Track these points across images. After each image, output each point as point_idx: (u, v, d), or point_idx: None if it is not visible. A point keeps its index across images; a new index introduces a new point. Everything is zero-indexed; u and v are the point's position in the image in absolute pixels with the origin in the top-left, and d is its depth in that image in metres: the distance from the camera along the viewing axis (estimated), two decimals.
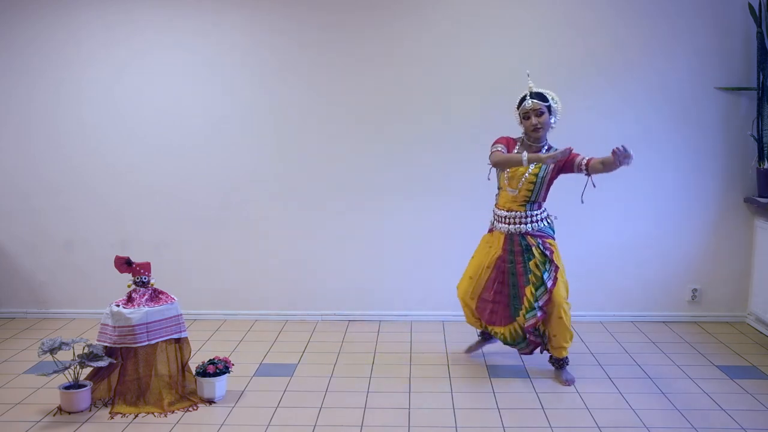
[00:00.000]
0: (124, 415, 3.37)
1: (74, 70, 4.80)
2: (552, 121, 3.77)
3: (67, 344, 3.41)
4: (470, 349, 4.22)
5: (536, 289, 3.71)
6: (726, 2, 4.61)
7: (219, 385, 3.53)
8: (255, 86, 4.78)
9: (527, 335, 3.82)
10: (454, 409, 3.46)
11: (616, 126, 4.73)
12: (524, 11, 4.68)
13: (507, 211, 3.80)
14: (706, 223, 4.81)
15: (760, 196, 4.63)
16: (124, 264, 3.52)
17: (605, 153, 4.75)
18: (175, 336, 3.55)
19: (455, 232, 4.77)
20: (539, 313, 3.70)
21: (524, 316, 3.76)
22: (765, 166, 4.58)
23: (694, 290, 4.87)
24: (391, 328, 4.77)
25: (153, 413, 3.39)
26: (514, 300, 3.83)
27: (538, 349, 3.92)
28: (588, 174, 3.66)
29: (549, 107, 3.74)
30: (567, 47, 4.68)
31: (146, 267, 3.56)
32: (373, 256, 4.87)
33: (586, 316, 4.89)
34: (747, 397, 3.61)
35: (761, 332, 4.66)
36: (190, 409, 3.45)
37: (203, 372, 3.53)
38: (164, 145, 4.84)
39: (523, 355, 4.04)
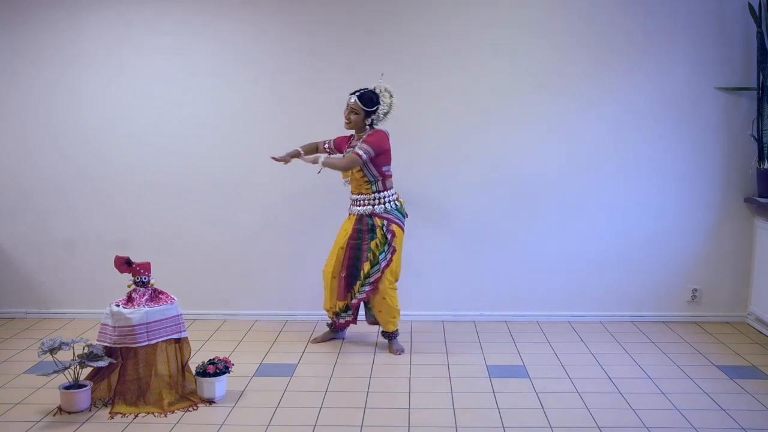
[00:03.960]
0: (124, 415, 3.37)
1: (74, 70, 4.80)
2: (368, 122, 4.10)
3: (67, 344, 3.41)
4: (316, 340, 4.46)
5: (372, 267, 4.12)
6: (726, 2, 4.61)
7: (219, 385, 3.53)
8: (256, 87, 4.78)
9: (353, 300, 4.23)
10: (454, 409, 3.46)
11: (616, 126, 4.74)
12: (523, 11, 4.68)
13: (358, 194, 4.19)
14: (706, 223, 4.81)
15: (760, 196, 4.63)
16: (124, 264, 3.52)
17: (605, 153, 4.78)
18: (175, 336, 3.55)
19: (455, 232, 4.77)
20: (368, 288, 4.15)
21: (359, 288, 4.18)
22: (765, 166, 4.58)
23: (694, 290, 4.87)
24: None
25: (153, 413, 3.39)
26: (354, 272, 4.21)
27: (353, 324, 4.37)
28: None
29: (369, 112, 4.07)
30: (566, 47, 4.68)
31: (146, 267, 3.56)
32: None
33: (586, 316, 4.89)
34: (747, 397, 3.61)
35: (761, 332, 4.66)
36: (190, 409, 3.45)
37: (203, 372, 3.53)
38: (165, 145, 4.84)
39: (339, 329, 4.41)
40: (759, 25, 4.52)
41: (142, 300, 3.48)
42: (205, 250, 4.92)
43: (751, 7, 4.55)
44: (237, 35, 4.75)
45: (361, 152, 4.01)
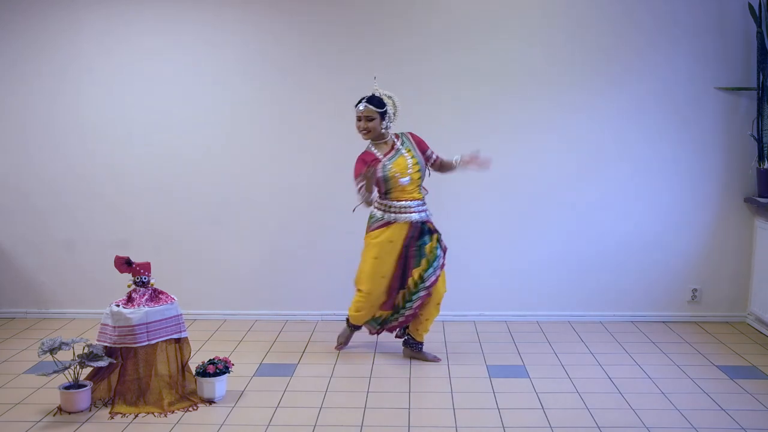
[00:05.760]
0: (124, 415, 3.37)
1: (74, 71, 4.80)
2: (384, 125, 3.92)
3: (67, 344, 3.41)
4: (341, 344, 4.33)
5: (427, 269, 3.91)
6: (726, 2, 4.61)
7: (219, 385, 3.53)
8: (255, 87, 4.79)
9: (406, 311, 4.00)
10: (454, 409, 3.46)
11: (616, 126, 4.74)
12: (524, 12, 4.68)
13: (411, 200, 3.95)
14: (706, 223, 4.81)
15: (760, 196, 4.63)
16: (124, 264, 3.52)
17: (605, 153, 4.78)
18: (175, 336, 3.55)
19: (454, 233, 4.77)
20: (423, 293, 3.94)
21: (410, 296, 3.97)
22: (765, 166, 4.58)
23: (694, 290, 4.87)
24: None
25: (153, 413, 3.39)
26: (401, 281, 4.02)
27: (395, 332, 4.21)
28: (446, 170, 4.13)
29: (383, 113, 3.89)
30: (566, 47, 4.68)
31: (146, 267, 3.56)
32: None
33: (586, 316, 4.89)
34: (747, 397, 3.61)
35: (761, 332, 4.66)
36: (190, 409, 3.45)
37: (203, 372, 3.53)
38: (164, 146, 4.84)
39: (377, 333, 4.23)
40: (759, 25, 4.52)
41: (142, 300, 3.48)
42: (205, 250, 4.92)
43: (751, 7, 4.55)
44: (237, 35, 4.75)
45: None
